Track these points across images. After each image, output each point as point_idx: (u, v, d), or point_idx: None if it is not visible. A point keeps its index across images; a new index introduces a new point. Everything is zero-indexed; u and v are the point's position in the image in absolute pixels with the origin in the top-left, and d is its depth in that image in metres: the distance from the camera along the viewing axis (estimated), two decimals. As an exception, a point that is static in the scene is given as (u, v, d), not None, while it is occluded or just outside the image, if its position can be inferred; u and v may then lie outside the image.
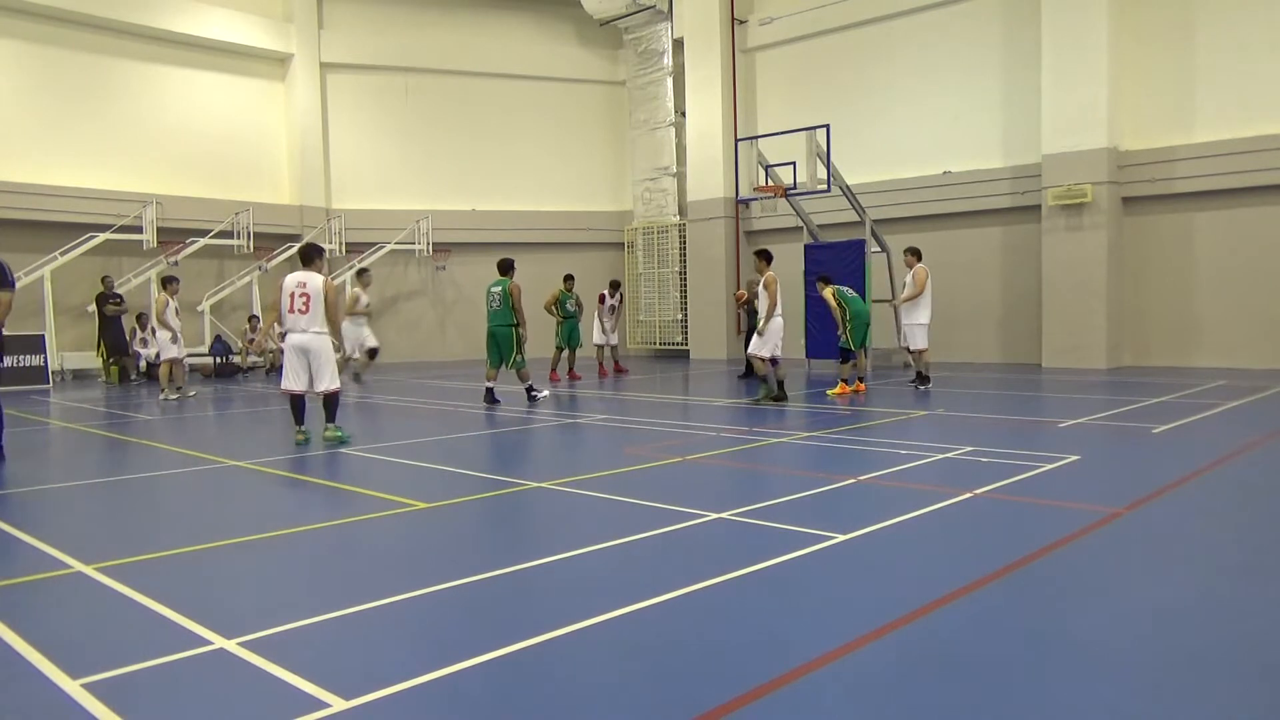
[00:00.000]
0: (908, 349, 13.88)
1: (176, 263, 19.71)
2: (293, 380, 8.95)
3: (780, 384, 11.74)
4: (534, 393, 12.52)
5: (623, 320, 19.48)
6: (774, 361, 11.64)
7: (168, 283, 14.46)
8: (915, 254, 13.76)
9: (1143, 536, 5.08)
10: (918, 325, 13.44)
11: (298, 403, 9.12)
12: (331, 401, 9.11)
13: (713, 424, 10.20)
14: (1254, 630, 3.63)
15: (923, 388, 12.91)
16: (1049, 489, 6.27)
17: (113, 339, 17.68)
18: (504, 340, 12.18)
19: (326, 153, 22.95)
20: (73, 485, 7.44)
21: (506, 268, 12.44)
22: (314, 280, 8.85)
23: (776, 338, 11.57)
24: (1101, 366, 15.90)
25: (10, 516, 5.96)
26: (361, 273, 17.61)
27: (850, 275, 14.97)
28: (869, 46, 19.51)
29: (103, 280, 18.07)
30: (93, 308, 18.56)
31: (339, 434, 9.11)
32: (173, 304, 14.24)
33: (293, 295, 8.83)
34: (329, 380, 8.98)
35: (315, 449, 8.87)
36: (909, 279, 13.64)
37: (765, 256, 11.95)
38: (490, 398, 12.41)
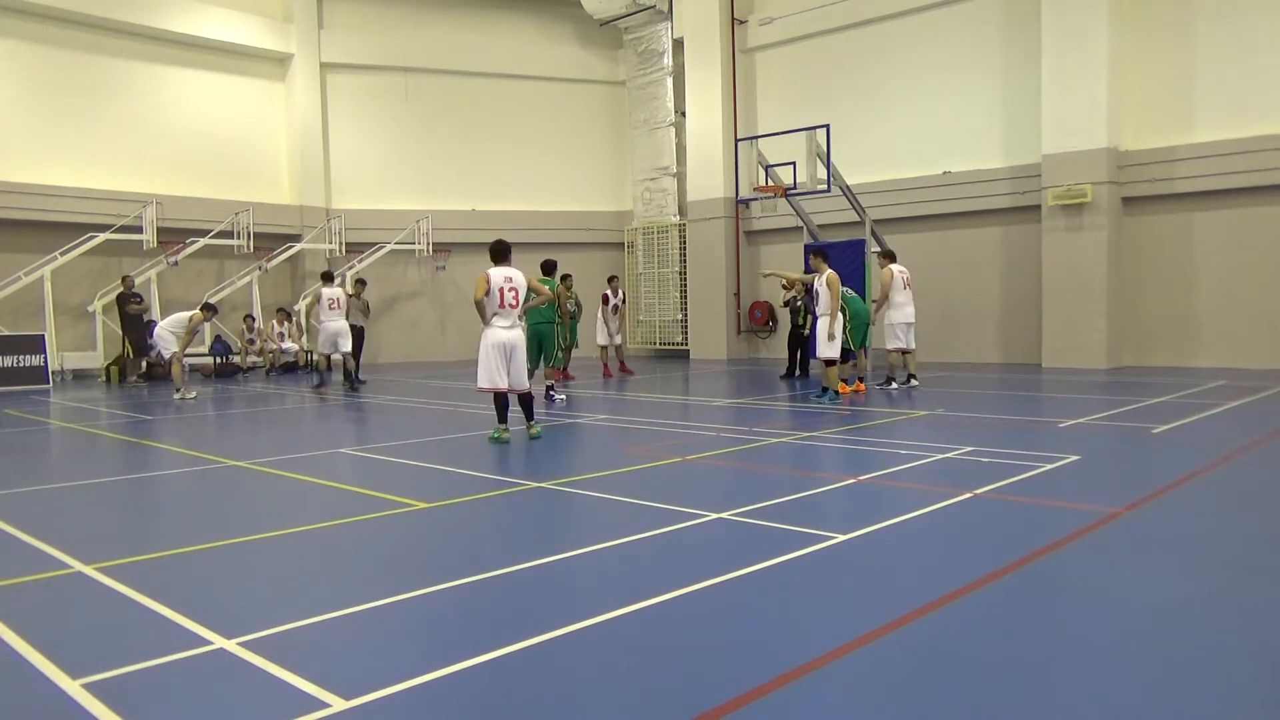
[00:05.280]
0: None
1: (176, 262, 19.71)
2: (497, 377, 8.69)
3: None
4: (552, 393, 12.63)
5: (624, 320, 19.33)
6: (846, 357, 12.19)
7: (208, 309, 14.97)
8: (888, 256, 13.64)
9: (1143, 536, 5.08)
10: (885, 325, 13.29)
11: (501, 400, 8.89)
12: (528, 399, 9.07)
13: (713, 424, 10.20)
14: (1254, 629, 3.63)
15: (883, 386, 13.03)
16: (1049, 489, 6.27)
17: (137, 338, 17.71)
18: (546, 336, 12.35)
19: (326, 153, 22.93)
20: (73, 485, 7.43)
21: (550, 269, 12.91)
22: (519, 275, 8.76)
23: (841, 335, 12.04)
24: (1101, 366, 15.89)
25: (10, 516, 5.95)
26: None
27: (850, 276, 14.90)
28: (869, 46, 19.50)
29: (123, 280, 18.08)
30: (93, 306, 18.56)
31: (539, 430, 9.15)
32: (204, 329, 14.50)
33: (502, 291, 8.57)
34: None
35: (310, 449, 8.85)
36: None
37: (824, 255, 12.20)
38: (545, 396, 12.46)
